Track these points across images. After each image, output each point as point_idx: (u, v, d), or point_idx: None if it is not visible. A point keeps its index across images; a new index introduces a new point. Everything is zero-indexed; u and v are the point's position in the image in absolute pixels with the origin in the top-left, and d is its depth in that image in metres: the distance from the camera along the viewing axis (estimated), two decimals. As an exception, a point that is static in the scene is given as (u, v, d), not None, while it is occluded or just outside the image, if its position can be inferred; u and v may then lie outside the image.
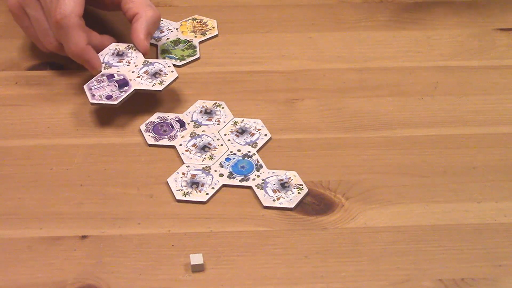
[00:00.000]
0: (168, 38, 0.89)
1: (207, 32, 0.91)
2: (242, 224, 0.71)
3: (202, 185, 0.74)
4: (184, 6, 0.95)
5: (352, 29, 0.91)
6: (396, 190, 0.74)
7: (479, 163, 0.76)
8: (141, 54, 0.81)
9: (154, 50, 0.88)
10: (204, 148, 0.77)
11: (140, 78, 0.79)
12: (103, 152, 0.77)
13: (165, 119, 0.80)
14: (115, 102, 0.76)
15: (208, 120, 0.80)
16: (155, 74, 0.79)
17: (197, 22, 0.92)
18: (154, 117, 0.80)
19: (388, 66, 0.87)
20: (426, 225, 0.71)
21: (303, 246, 0.69)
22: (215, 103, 0.81)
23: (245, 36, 0.91)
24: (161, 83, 0.79)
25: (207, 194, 0.73)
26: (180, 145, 0.77)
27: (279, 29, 0.92)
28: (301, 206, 0.73)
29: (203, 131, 0.79)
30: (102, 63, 0.80)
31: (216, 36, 0.90)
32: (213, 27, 0.91)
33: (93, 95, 0.77)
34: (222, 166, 0.76)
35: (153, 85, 0.78)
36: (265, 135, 0.79)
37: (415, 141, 0.79)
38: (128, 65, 0.80)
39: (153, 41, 0.89)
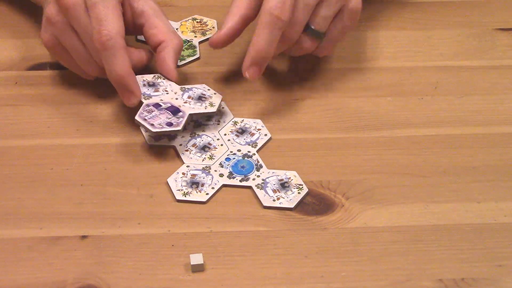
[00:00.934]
0: (168, 38, 0.89)
1: (207, 32, 0.91)
2: (242, 224, 0.71)
3: (202, 185, 0.74)
4: (184, 6, 0.95)
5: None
6: (396, 190, 0.74)
7: (479, 163, 0.76)
8: (174, 83, 0.79)
9: (154, 50, 0.88)
10: (204, 148, 0.77)
11: (188, 103, 0.77)
12: (103, 152, 0.77)
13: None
14: (179, 128, 0.75)
15: (208, 120, 0.80)
16: (200, 98, 0.78)
17: (197, 22, 0.92)
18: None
19: (388, 66, 0.87)
20: (426, 225, 0.71)
21: (303, 246, 0.69)
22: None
23: (245, 36, 0.90)
24: (211, 105, 0.78)
25: (207, 194, 0.73)
26: (180, 145, 0.77)
27: (279, 29, 0.92)
28: (301, 206, 0.73)
29: (203, 131, 0.79)
30: (143, 94, 0.77)
31: (216, 36, 0.90)
32: (213, 27, 0.91)
33: (152, 124, 0.74)
34: (222, 166, 0.76)
35: (205, 108, 0.78)
36: (265, 135, 0.79)
37: (415, 141, 0.79)
38: (167, 93, 0.78)
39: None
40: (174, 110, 0.76)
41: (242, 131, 0.79)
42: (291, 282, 0.67)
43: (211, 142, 0.78)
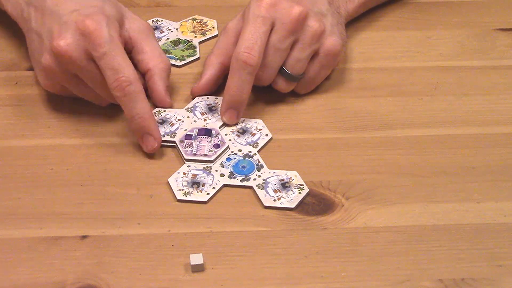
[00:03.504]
0: (168, 38, 0.89)
1: (207, 32, 0.91)
2: (242, 224, 0.71)
3: (203, 185, 0.74)
4: (184, 6, 0.95)
5: (353, 29, 0.91)
6: (396, 190, 0.74)
7: (479, 163, 0.76)
8: (177, 109, 0.80)
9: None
10: (204, 148, 0.77)
11: (208, 120, 0.79)
12: (103, 152, 0.77)
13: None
14: (226, 145, 0.76)
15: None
16: (211, 109, 0.80)
17: (197, 22, 0.92)
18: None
19: (388, 66, 0.87)
20: (426, 225, 0.71)
21: (303, 246, 0.69)
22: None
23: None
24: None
25: (208, 194, 0.73)
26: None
27: (279, 29, 0.92)
28: (301, 206, 0.73)
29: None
30: (163, 134, 0.77)
31: (216, 36, 0.90)
32: (213, 27, 0.91)
33: (206, 155, 0.75)
34: (223, 166, 0.76)
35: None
36: (266, 135, 0.79)
37: (415, 141, 0.79)
38: (183, 122, 0.79)
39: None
40: (206, 132, 0.77)
41: (243, 131, 0.79)
42: (291, 282, 0.67)
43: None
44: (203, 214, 0.72)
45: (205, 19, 0.92)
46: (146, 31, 0.81)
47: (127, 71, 0.74)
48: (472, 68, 0.87)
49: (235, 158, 0.76)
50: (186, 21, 0.92)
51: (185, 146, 0.76)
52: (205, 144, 0.76)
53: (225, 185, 0.74)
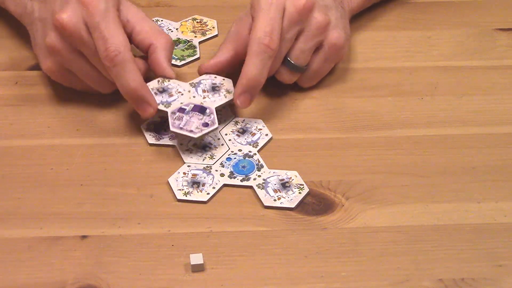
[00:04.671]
0: (168, 38, 0.89)
1: (207, 32, 0.91)
2: (242, 224, 0.71)
3: (203, 184, 0.74)
4: (184, 6, 0.95)
5: (353, 29, 0.90)
6: (396, 190, 0.74)
7: (479, 163, 0.76)
8: (181, 82, 0.79)
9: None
10: (205, 147, 0.77)
11: (207, 98, 0.78)
12: (103, 152, 0.77)
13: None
14: (216, 125, 0.76)
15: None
16: (214, 89, 0.79)
17: (197, 22, 0.92)
18: (155, 117, 0.80)
19: (388, 66, 0.87)
20: (426, 225, 0.71)
21: (303, 246, 0.69)
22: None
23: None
24: (228, 92, 0.79)
25: (208, 194, 0.73)
26: (181, 144, 0.77)
27: (279, 29, 0.92)
28: (301, 206, 0.73)
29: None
30: (159, 103, 0.77)
31: (216, 36, 0.90)
32: (213, 27, 0.91)
33: (191, 131, 0.75)
34: (223, 166, 0.76)
35: (225, 97, 0.78)
36: (266, 135, 0.79)
37: (415, 141, 0.79)
38: (182, 95, 0.78)
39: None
40: (201, 109, 0.77)
41: (243, 131, 0.79)
42: (291, 282, 0.67)
43: (212, 141, 0.78)
44: (203, 214, 0.72)
45: (205, 19, 0.92)
46: (143, 14, 0.81)
47: (117, 40, 0.74)
48: (472, 68, 0.87)
49: (235, 158, 0.76)
50: (186, 21, 0.92)
51: (175, 118, 0.76)
52: (195, 121, 0.76)
53: (225, 185, 0.74)
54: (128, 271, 0.67)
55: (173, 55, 0.87)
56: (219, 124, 0.77)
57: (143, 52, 0.81)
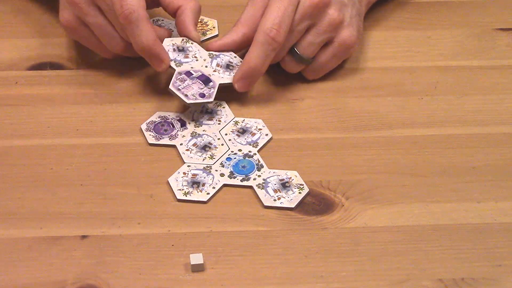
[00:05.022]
0: (168, 38, 0.89)
1: (207, 32, 0.91)
2: (242, 224, 0.71)
3: (203, 184, 0.74)
4: (184, 6, 0.95)
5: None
6: (396, 190, 0.74)
7: (479, 163, 0.76)
8: (202, 48, 0.81)
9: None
10: (205, 147, 0.77)
11: (217, 72, 0.80)
12: (103, 152, 0.77)
13: (166, 118, 0.80)
14: (211, 99, 0.77)
15: (209, 119, 0.80)
16: (228, 66, 0.80)
17: (198, 22, 0.92)
18: (155, 116, 0.80)
19: (388, 66, 0.87)
20: (426, 225, 0.71)
21: (303, 246, 0.69)
22: (216, 103, 0.81)
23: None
24: None
25: (208, 194, 0.73)
26: (181, 144, 0.78)
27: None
28: (301, 206, 0.73)
29: (204, 130, 0.79)
30: (171, 60, 0.80)
31: (216, 36, 0.90)
32: (213, 27, 0.91)
33: (186, 95, 0.77)
34: (223, 166, 0.76)
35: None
36: (266, 135, 0.79)
37: (415, 141, 0.79)
38: (197, 60, 0.80)
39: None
40: (205, 80, 0.78)
41: (243, 131, 0.79)
42: (291, 282, 0.67)
43: (212, 141, 0.78)
44: (203, 214, 0.72)
45: (205, 19, 0.92)
46: None
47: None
48: (472, 68, 0.87)
49: (235, 158, 0.76)
50: (186, 21, 0.92)
51: (178, 79, 0.78)
52: (195, 88, 0.77)
53: (225, 185, 0.74)
54: (128, 271, 0.67)
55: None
56: (220, 124, 0.78)
57: (171, 14, 0.83)
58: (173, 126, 0.79)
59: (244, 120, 0.80)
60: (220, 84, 0.79)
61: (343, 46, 0.82)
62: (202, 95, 0.77)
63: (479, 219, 0.72)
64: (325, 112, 0.82)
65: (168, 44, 0.81)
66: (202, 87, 0.77)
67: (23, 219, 0.71)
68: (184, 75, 0.78)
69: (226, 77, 0.79)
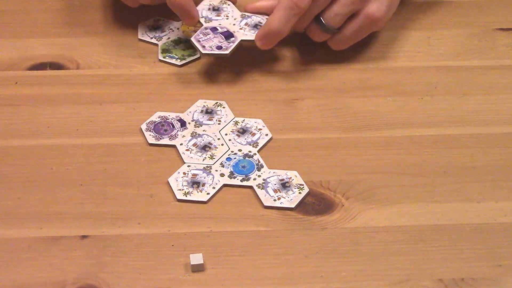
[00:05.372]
0: (169, 38, 0.89)
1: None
2: (242, 224, 0.71)
3: (203, 184, 0.74)
4: (184, 6, 0.95)
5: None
6: (396, 190, 0.74)
7: (479, 163, 0.76)
8: (237, 10, 0.85)
9: (156, 48, 0.88)
10: (205, 147, 0.77)
11: (243, 30, 0.82)
12: (103, 152, 0.77)
13: (166, 119, 0.80)
14: (227, 52, 0.80)
15: (209, 119, 0.80)
16: (256, 26, 0.83)
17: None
18: (155, 117, 0.80)
19: (388, 66, 0.87)
20: (426, 225, 0.71)
21: (303, 246, 0.69)
22: (216, 103, 0.81)
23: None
24: None
25: (208, 194, 0.73)
26: (181, 144, 0.78)
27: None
28: (301, 206, 0.73)
29: (203, 130, 0.79)
30: (201, 17, 0.83)
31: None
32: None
33: (204, 46, 0.80)
34: (223, 166, 0.76)
35: None
36: (266, 135, 0.79)
37: (415, 141, 0.79)
38: (227, 19, 0.83)
39: (154, 40, 0.89)
40: (228, 35, 0.81)
41: (243, 131, 0.79)
42: (291, 282, 0.67)
43: (212, 141, 0.78)
44: (203, 214, 0.72)
45: (205, 19, 0.92)
46: None
47: None
48: (472, 68, 0.87)
49: (235, 158, 0.76)
50: (186, 21, 0.92)
51: (202, 33, 0.81)
52: (215, 41, 0.80)
53: (225, 185, 0.74)
54: (128, 271, 0.67)
55: (173, 55, 0.87)
56: (220, 124, 0.78)
57: None
58: (173, 126, 0.79)
59: (244, 120, 0.80)
60: (242, 40, 0.81)
61: (369, 19, 0.82)
62: (219, 47, 0.80)
63: (479, 219, 0.72)
64: (325, 112, 0.82)
65: (206, 3, 0.85)
66: (222, 41, 0.80)
67: (23, 219, 0.71)
68: (209, 29, 0.81)
69: (249, 35, 0.82)
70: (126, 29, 0.89)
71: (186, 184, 0.74)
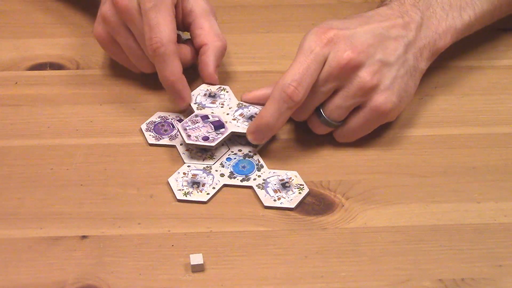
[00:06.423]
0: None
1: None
2: (242, 224, 0.71)
3: (203, 185, 0.74)
4: (184, 6, 0.95)
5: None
6: (396, 190, 0.74)
7: (479, 163, 0.76)
8: (235, 98, 0.79)
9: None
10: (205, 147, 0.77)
11: (236, 121, 0.77)
12: (103, 152, 0.77)
13: (166, 119, 0.80)
14: (212, 144, 0.74)
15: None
16: (251, 118, 0.77)
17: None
18: (155, 117, 0.80)
19: (388, 66, 0.87)
20: (426, 225, 0.71)
21: (303, 246, 0.69)
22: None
23: (245, 36, 0.91)
24: None
25: (208, 194, 0.73)
26: (181, 144, 0.78)
27: (279, 29, 0.92)
28: (301, 206, 0.73)
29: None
30: (195, 103, 0.79)
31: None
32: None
33: (189, 136, 0.75)
34: (223, 166, 0.76)
35: None
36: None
37: (415, 141, 0.79)
38: (222, 107, 0.78)
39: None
40: (219, 125, 0.76)
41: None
42: (291, 282, 0.67)
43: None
44: (203, 214, 0.72)
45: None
46: (209, 10, 0.82)
47: (163, 31, 0.75)
48: (472, 68, 0.87)
49: (235, 158, 0.76)
50: (186, 21, 0.92)
51: (191, 120, 0.77)
52: (202, 131, 0.76)
53: (225, 185, 0.74)
54: (128, 271, 0.67)
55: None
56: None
57: (195, 47, 0.82)
58: (173, 126, 0.79)
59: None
60: (232, 132, 0.76)
61: (376, 112, 0.74)
62: (206, 138, 0.75)
63: (479, 219, 0.72)
64: (325, 112, 0.82)
65: (203, 88, 0.80)
66: (211, 131, 0.75)
67: (23, 219, 0.71)
68: (199, 117, 0.77)
69: (241, 127, 0.76)
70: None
71: (186, 184, 0.74)
